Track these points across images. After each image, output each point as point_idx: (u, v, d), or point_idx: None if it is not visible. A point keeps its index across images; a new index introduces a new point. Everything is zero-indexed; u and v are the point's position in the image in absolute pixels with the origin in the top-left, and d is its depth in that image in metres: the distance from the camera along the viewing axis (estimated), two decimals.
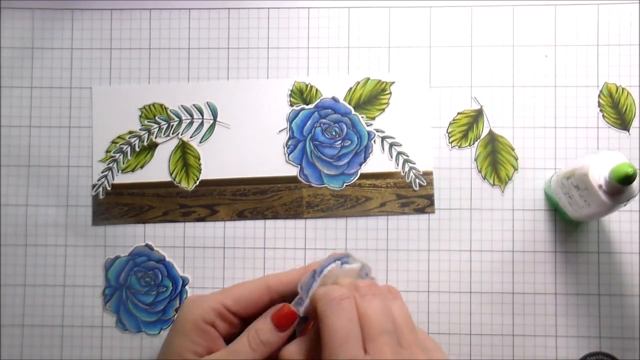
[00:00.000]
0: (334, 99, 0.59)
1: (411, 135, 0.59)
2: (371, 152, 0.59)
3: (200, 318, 0.49)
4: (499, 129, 0.59)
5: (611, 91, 0.58)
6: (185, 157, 0.59)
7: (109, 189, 0.59)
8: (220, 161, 0.59)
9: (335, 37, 0.60)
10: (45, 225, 0.59)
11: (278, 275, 0.51)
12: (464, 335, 0.57)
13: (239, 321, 0.50)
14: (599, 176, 0.47)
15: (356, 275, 0.50)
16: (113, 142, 0.59)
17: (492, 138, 0.59)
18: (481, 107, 0.59)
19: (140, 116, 0.59)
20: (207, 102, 0.60)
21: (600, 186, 0.47)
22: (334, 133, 0.59)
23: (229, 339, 0.50)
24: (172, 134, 0.59)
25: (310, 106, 0.59)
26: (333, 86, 0.59)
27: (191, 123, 0.59)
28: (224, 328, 0.49)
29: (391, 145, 0.59)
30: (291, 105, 0.59)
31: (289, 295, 0.50)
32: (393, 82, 0.59)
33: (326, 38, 0.60)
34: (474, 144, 0.59)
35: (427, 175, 0.58)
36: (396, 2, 0.59)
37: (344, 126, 0.59)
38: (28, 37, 0.60)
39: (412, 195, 0.58)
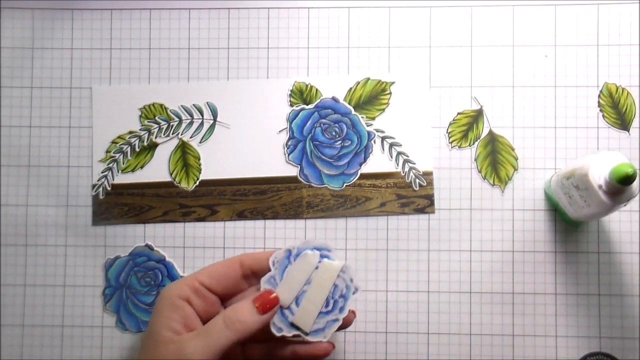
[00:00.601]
0: (334, 99, 0.59)
1: (411, 135, 0.59)
2: (371, 152, 0.59)
3: (176, 295, 0.49)
4: (499, 129, 0.59)
5: (611, 91, 0.58)
6: (185, 157, 0.59)
7: (109, 189, 0.59)
8: (220, 161, 0.59)
9: (335, 37, 0.60)
10: (45, 225, 0.59)
11: (252, 254, 0.52)
12: (464, 335, 0.57)
13: (216, 299, 0.51)
14: (599, 176, 0.47)
15: (336, 273, 0.50)
16: (113, 142, 0.59)
17: (492, 138, 0.58)
18: (481, 107, 0.59)
19: (140, 116, 0.59)
20: (207, 102, 0.60)
21: (600, 186, 0.47)
22: (334, 133, 0.59)
23: (206, 317, 0.50)
24: (172, 134, 0.59)
25: (310, 106, 0.59)
26: (333, 86, 0.59)
27: (191, 123, 0.59)
28: (200, 304, 0.50)
29: (391, 145, 0.59)
30: (291, 105, 0.59)
31: (261, 272, 0.51)
32: (393, 82, 0.59)
33: (326, 38, 0.60)
34: (474, 144, 0.59)
35: (427, 175, 0.58)
36: (396, 2, 0.59)
37: (344, 126, 0.59)
38: (28, 37, 0.60)
39: (412, 195, 0.58)
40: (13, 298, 0.59)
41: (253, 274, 0.52)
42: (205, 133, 0.59)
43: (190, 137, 0.59)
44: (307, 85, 0.59)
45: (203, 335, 0.48)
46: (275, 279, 0.50)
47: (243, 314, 0.49)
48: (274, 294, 0.50)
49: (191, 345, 0.47)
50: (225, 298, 0.52)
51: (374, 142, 0.59)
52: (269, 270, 0.50)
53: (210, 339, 0.48)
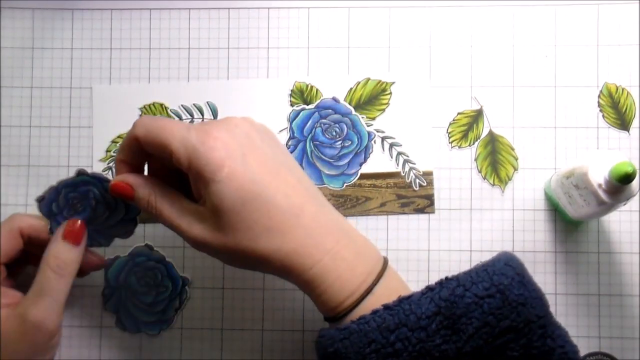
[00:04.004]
0: (335, 99, 0.59)
1: (411, 135, 0.59)
2: (371, 152, 0.59)
3: None
4: (499, 129, 0.59)
5: (611, 91, 0.58)
6: None
7: None
8: None
9: (335, 37, 0.60)
10: None
11: (27, 218, 0.52)
12: None
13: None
14: (598, 175, 0.47)
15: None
16: (113, 141, 0.59)
17: (492, 138, 0.59)
18: (481, 107, 0.59)
19: (141, 116, 0.59)
20: (207, 102, 0.60)
21: (599, 185, 0.47)
22: (334, 133, 0.59)
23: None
24: None
25: (311, 106, 0.59)
26: (333, 86, 0.59)
27: (191, 122, 0.59)
28: None
29: (391, 145, 0.59)
30: (292, 105, 0.59)
31: (38, 241, 0.51)
32: (393, 82, 0.59)
33: (326, 38, 0.60)
34: (474, 144, 0.59)
35: (427, 175, 0.58)
36: (396, 2, 0.59)
37: (345, 126, 0.59)
38: (28, 37, 0.60)
39: (412, 195, 0.58)
40: None
41: (31, 240, 0.52)
42: None
43: None
44: (307, 85, 0.59)
45: (42, 294, 0.47)
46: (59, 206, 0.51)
47: (66, 256, 0.49)
48: (78, 221, 0.50)
49: (38, 309, 0.47)
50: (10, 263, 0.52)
51: (374, 142, 0.59)
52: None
53: (53, 294, 0.48)
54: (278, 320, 0.58)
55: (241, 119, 0.48)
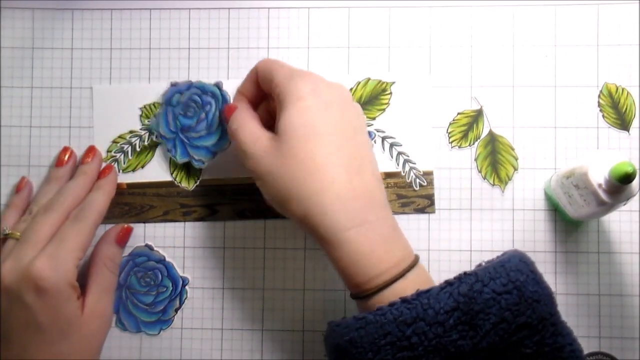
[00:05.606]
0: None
1: (411, 135, 0.59)
2: None
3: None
4: (499, 129, 0.59)
5: (611, 91, 0.58)
6: None
7: None
8: (220, 160, 0.59)
9: (335, 37, 0.60)
10: None
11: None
12: None
13: None
14: (598, 175, 0.47)
15: None
16: (114, 141, 0.59)
17: (492, 138, 0.59)
18: (481, 107, 0.59)
19: (141, 115, 0.59)
20: None
21: (599, 185, 0.47)
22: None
23: None
24: None
25: None
26: None
27: None
28: None
29: (391, 145, 0.59)
30: None
31: None
32: (393, 82, 0.59)
33: (326, 38, 0.60)
34: (474, 144, 0.59)
35: (428, 175, 0.58)
36: (396, 2, 0.60)
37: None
38: (28, 37, 0.60)
39: (412, 195, 0.58)
40: None
41: None
42: None
43: None
44: None
45: (104, 291, 0.55)
46: None
47: (117, 257, 0.57)
48: (130, 227, 0.58)
49: (105, 305, 0.55)
50: None
51: (375, 142, 0.59)
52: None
53: (112, 291, 0.56)
54: (278, 320, 0.58)
55: (344, 88, 0.53)
